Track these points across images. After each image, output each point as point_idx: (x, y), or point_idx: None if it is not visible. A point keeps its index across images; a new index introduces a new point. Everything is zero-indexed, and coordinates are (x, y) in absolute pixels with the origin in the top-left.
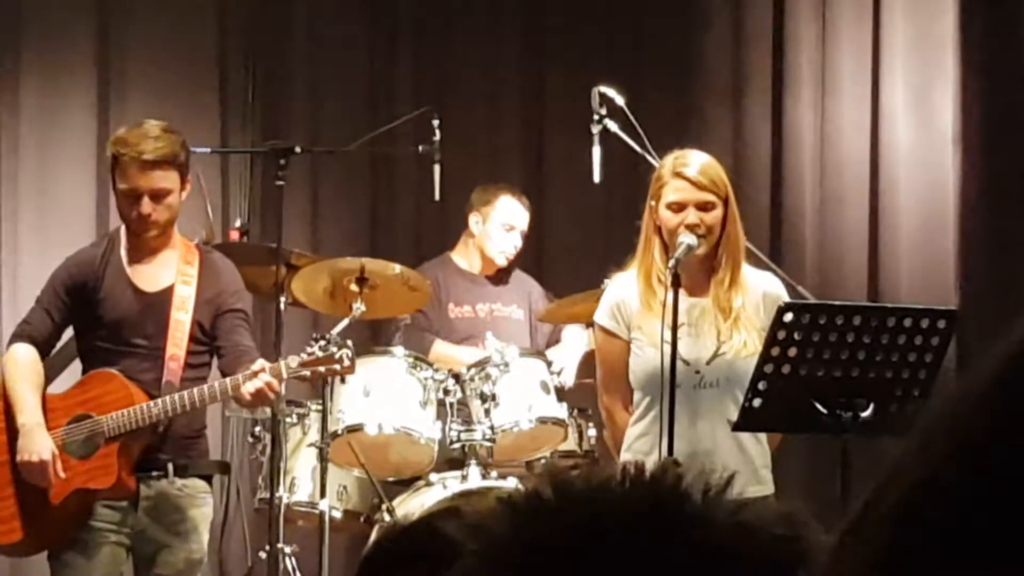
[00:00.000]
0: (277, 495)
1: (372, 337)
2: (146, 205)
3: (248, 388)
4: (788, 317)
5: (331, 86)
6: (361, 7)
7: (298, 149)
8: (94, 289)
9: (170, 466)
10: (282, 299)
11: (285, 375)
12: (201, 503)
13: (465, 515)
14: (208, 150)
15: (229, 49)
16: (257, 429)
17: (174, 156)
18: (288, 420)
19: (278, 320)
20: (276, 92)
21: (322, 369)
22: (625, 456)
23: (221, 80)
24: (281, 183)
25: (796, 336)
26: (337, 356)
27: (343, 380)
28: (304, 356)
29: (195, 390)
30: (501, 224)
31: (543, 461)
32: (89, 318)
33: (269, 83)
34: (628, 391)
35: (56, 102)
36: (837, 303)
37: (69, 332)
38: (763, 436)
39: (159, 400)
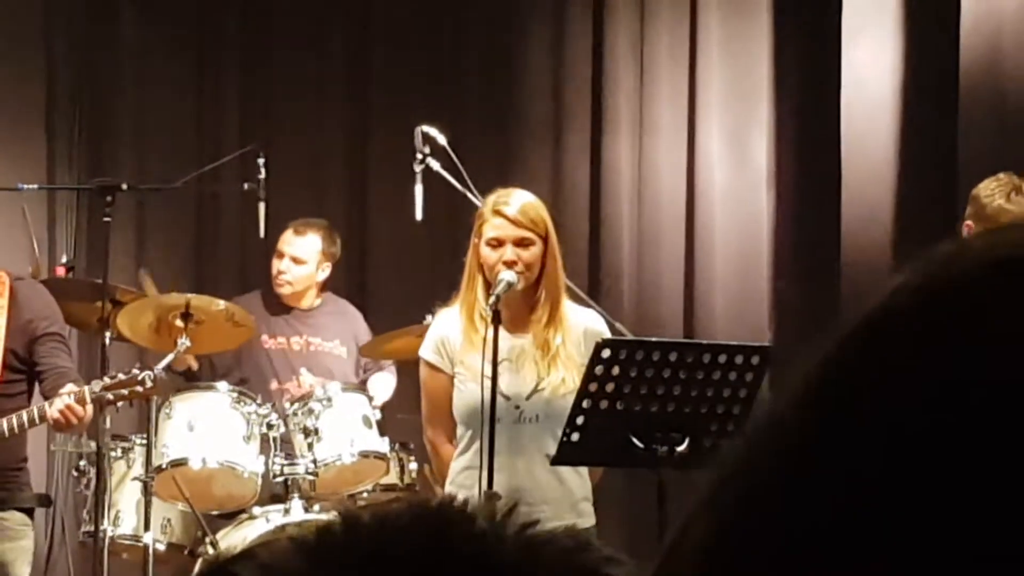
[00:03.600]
0: (102, 528)
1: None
2: None
3: (52, 412)
4: (606, 353)
5: (157, 124)
6: (187, 46)
7: (124, 186)
8: None
9: None
10: (107, 334)
11: (88, 398)
12: (20, 536)
13: (258, 556)
14: (35, 187)
15: (56, 86)
16: (82, 463)
17: None
18: (113, 454)
19: (103, 355)
20: (102, 129)
21: (125, 391)
22: (449, 489)
23: (48, 117)
24: (107, 220)
25: (614, 372)
26: (139, 378)
27: (147, 401)
28: (107, 380)
29: (4, 419)
30: (275, 252)
31: (365, 494)
32: None
33: (96, 120)
34: (452, 425)
35: None
36: (653, 339)
37: None
38: (584, 469)
39: None
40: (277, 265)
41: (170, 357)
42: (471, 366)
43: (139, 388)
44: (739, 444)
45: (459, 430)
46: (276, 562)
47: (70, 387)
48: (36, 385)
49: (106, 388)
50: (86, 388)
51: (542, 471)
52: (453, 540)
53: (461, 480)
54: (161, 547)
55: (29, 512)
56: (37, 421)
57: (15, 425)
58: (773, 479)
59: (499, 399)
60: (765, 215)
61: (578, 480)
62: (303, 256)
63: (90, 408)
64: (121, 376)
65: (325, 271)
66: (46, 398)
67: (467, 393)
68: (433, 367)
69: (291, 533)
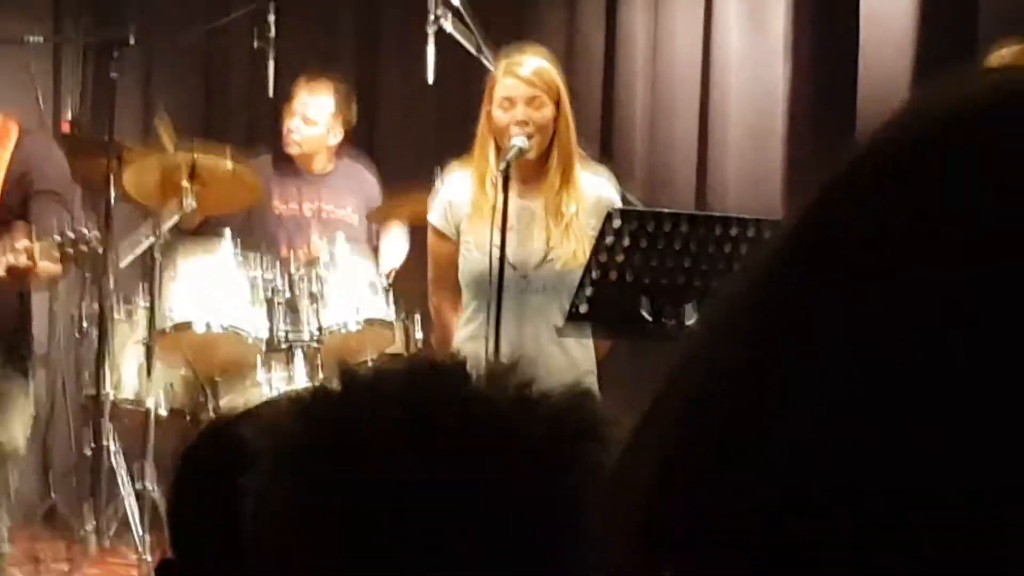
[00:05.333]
0: (103, 392)
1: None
2: None
3: None
4: (616, 223)
5: None
6: None
7: (132, 41)
8: None
9: None
10: (112, 192)
11: (38, 254)
12: (18, 392)
13: (260, 416)
14: (40, 39)
15: None
16: (84, 325)
17: None
18: (116, 316)
19: (108, 214)
20: None
21: (70, 250)
22: None
23: None
24: (114, 75)
25: (624, 242)
26: (87, 238)
27: (151, 262)
28: (56, 237)
29: None
30: (286, 110)
31: (370, 362)
32: None
33: None
34: (457, 292)
35: None
36: (665, 210)
37: None
38: (589, 342)
39: None
40: (287, 123)
41: (175, 218)
42: (477, 234)
43: (83, 247)
44: (706, 317)
45: (464, 298)
46: (276, 423)
47: (23, 243)
48: None
49: (53, 245)
50: (36, 244)
51: (547, 342)
52: (447, 392)
53: (467, 350)
54: (163, 412)
55: (25, 371)
56: None
57: None
58: (733, 358)
59: (506, 268)
60: (781, 84)
61: (583, 352)
62: (314, 117)
63: (45, 264)
64: (69, 234)
65: (337, 136)
66: None
67: (472, 261)
68: (439, 232)
69: (291, 394)
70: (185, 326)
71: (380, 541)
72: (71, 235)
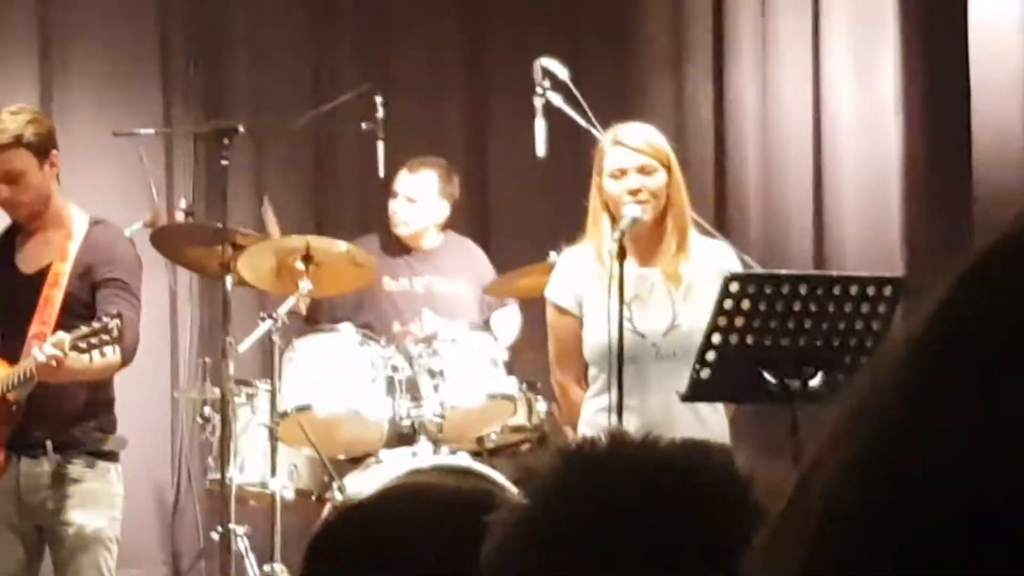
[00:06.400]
0: (228, 475)
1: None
2: (3, 190)
3: (29, 364)
4: (734, 287)
5: (273, 64)
6: None
7: (241, 129)
8: None
9: (48, 444)
10: (228, 279)
11: (67, 348)
12: (90, 478)
13: (523, 460)
14: (152, 131)
15: (170, 29)
16: (206, 410)
17: (18, 137)
18: (237, 399)
19: (225, 300)
20: (218, 71)
21: (95, 340)
22: (583, 430)
23: (162, 61)
24: (225, 163)
25: (743, 306)
26: (108, 327)
27: (114, 351)
28: (83, 328)
29: (20, 364)
30: (391, 193)
31: (493, 436)
32: None
33: (211, 62)
34: (581, 367)
35: None
36: (783, 272)
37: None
38: (720, 407)
39: None
40: (392, 206)
41: (292, 300)
42: (600, 306)
43: (106, 336)
44: (864, 383)
45: (592, 371)
46: (537, 472)
47: (60, 335)
48: None
49: (78, 338)
50: (66, 337)
51: (680, 409)
52: (704, 475)
53: (599, 421)
54: (288, 493)
55: (103, 456)
56: (33, 371)
57: (21, 374)
58: (899, 423)
59: (634, 337)
60: (894, 140)
61: (716, 418)
62: (415, 195)
63: (73, 356)
64: (95, 325)
65: (442, 211)
66: None
67: (598, 334)
68: (560, 309)
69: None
70: (306, 408)
71: None
72: (95, 325)
